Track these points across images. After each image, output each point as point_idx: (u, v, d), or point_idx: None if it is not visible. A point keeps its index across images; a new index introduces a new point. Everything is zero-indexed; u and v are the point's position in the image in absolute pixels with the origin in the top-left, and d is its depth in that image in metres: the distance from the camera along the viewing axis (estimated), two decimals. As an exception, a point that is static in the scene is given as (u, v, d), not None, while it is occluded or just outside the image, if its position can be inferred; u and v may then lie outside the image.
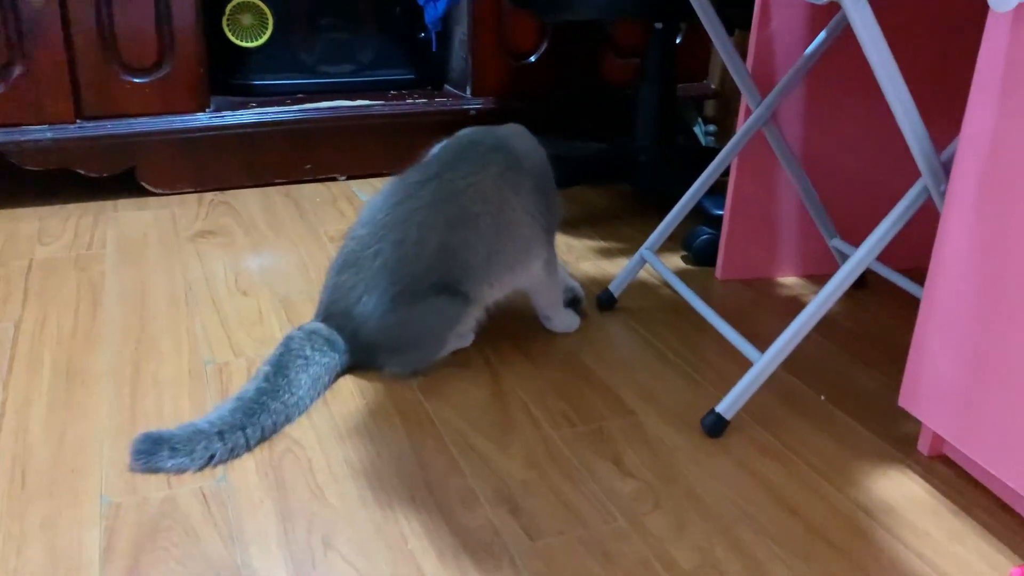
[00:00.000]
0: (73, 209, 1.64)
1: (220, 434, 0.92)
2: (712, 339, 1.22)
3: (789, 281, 1.45)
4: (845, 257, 1.43)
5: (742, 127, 1.26)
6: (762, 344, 1.01)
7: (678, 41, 2.07)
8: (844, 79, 1.36)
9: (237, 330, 1.21)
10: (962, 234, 0.85)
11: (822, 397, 1.10)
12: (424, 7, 1.02)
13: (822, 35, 1.23)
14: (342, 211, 1.68)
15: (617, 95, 2.03)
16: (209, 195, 1.74)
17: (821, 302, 0.97)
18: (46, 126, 1.59)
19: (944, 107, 1.38)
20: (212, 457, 0.91)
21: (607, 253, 1.54)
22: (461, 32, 1.91)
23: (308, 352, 1.05)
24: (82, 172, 1.65)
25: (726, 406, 0.99)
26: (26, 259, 1.41)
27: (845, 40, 1.31)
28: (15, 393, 1.04)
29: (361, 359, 1.09)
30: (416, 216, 1.07)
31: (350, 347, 1.08)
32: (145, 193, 1.72)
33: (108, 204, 1.67)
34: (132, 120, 1.66)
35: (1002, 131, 0.80)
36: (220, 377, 1.09)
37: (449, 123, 1.89)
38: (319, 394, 1.04)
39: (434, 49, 1.92)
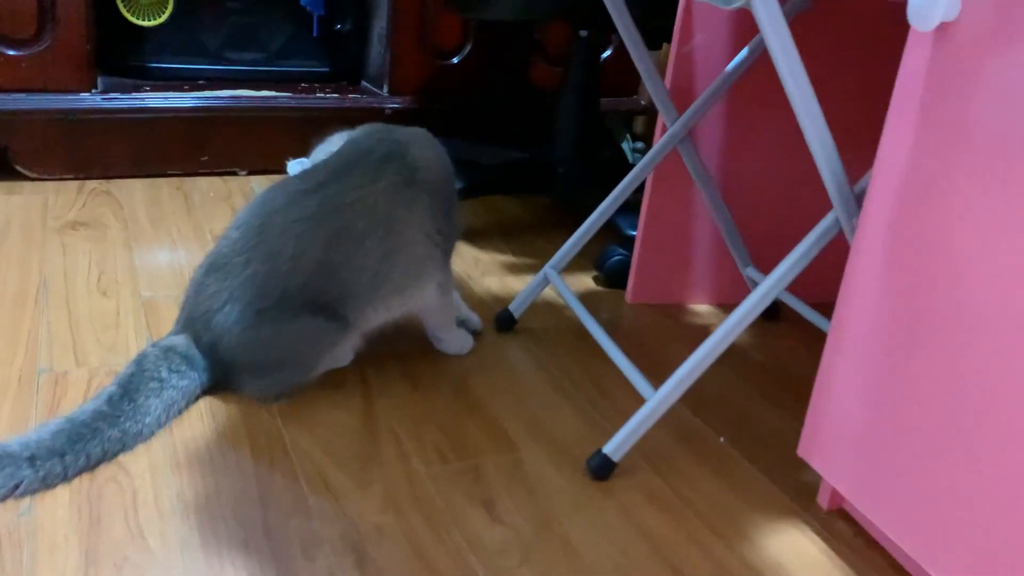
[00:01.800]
0: (-69, 190, 1.48)
1: (32, 459, 0.80)
2: (612, 368, 1.14)
3: (701, 309, 1.37)
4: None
5: (657, 144, 1.18)
6: (662, 376, 0.93)
7: (608, 54, 1.99)
8: (765, 99, 1.29)
9: (86, 335, 1.08)
10: (872, 270, 0.78)
11: (721, 439, 1.02)
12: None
13: (743, 52, 1.16)
14: (236, 208, 1.56)
15: (538, 99, 1.95)
16: (91, 183, 1.60)
17: (724, 334, 0.89)
18: (-97, 96, 1.44)
19: (864, 136, 1.32)
20: (18, 486, 0.79)
21: (515, 268, 1.45)
22: (380, 26, 1.80)
23: (164, 374, 0.93)
24: (-55, 150, 1.50)
25: (614, 447, 0.90)
26: None
27: (768, 58, 1.24)
28: None
29: (218, 377, 0.98)
30: (295, 228, 0.95)
31: (208, 362, 0.96)
32: (19, 177, 1.57)
33: (-26, 187, 1.52)
34: (4, 95, 1.51)
35: (918, 159, 0.73)
36: (53, 389, 0.96)
37: (363, 121, 1.77)
38: (170, 420, 0.92)
39: (315, 34, 1.78)
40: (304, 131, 1.75)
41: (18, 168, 1.56)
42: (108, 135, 1.60)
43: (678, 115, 1.18)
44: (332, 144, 1.15)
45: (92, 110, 1.57)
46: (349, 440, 0.93)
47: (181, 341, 0.96)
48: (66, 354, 1.03)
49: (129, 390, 0.89)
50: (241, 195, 1.63)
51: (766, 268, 1.33)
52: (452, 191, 1.10)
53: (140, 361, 0.93)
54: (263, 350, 0.95)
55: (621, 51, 2.01)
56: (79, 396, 0.95)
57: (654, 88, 1.16)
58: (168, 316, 1.14)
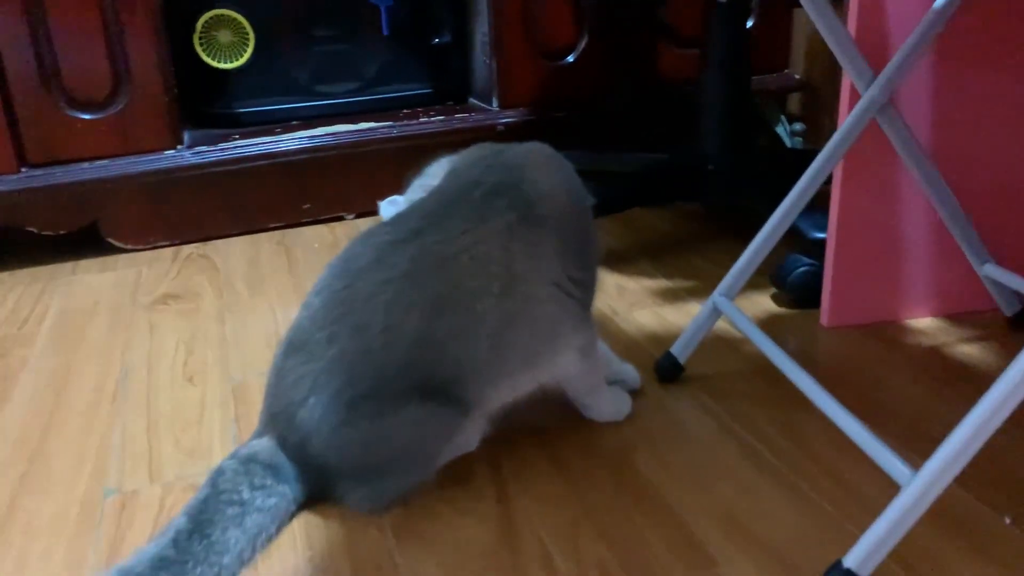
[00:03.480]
0: (22, 276, 1.37)
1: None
2: (822, 423, 0.85)
3: (924, 325, 1.06)
4: (1005, 290, 1.03)
5: (848, 117, 0.89)
6: (906, 439, 0.64)
7: (750, 24, 1.69)
8: (987, 48, 0.97)
9: (164, 437, 0.90)
10: None
11: (1007, 519, 0.71)
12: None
13: (959, -22, 0.85)
14: (342, 258, 1.37)
15: (679, 93, 1.67)
16: (188, 248, 1.45)
17: (1013, 385, 0.59)
18: (-15, 179, 1.33)
19: None
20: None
21: (671, 297, 1.18)
22: (482, 32, 1.58)
23: (245, 494, 0.72)
24: (34, 230, 1.38)
25: (860, 558, 0.62)
26: (-58, 345, 1.14)
27: (991, -16, 0.92)
28: None
29: (314, 486, 0.76)
30: (385, 292, 0.73)
31: (299, 470, 0.75)
32: (113, 250, 1.44)
33: (67, 267, 1.40)
34: (87, 164, 1.38)
35: None
36: (119, 516, 0.77)
37: (475, 142, 1.56)
38: (256, 553, 0.71)
39: (385, 32, 1.55)
40: (412, 162, 1.55)
41: (111, 241, 1.43)
42: (201, 192, 1.45)
43: (873, 76, 0.88)
44: (431, 176, 0.93)
45: (181, 167, 1.42)
46: (483, 560, 0.69)
47: (264, 446, 0.76)
48: (139, 467, 0.85)
49: (201, 523, 0.69)
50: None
51: (1011, 263, 1.00)
52: (585, 222, 0.84)
53: (215, 481, 0.73)
54: (362, 451, 0.73)
55: (763, 19, 1.70)
56: (148, 523, 0.76)
57: (838, 42, 0.87)
58: (259, 404, 0.95)
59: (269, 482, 0.74)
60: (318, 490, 0.76)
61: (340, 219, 1.56)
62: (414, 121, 1.56)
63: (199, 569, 0.66)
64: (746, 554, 0.69)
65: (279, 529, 0.74)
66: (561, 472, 0.80)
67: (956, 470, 0.60)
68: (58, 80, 1.34)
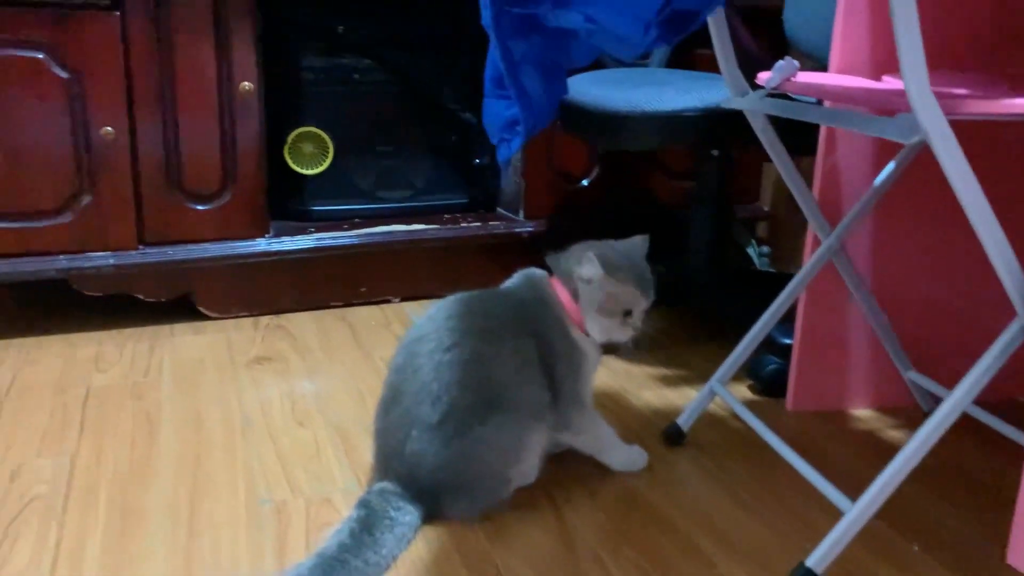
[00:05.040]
0: (130, 334, 1.64)
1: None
2: (787, 477, 1.16)
3: (863, 414, 1.39)
4: (922, 391, 1.37)
5: (812, 257, 1.23)
6: (846, 486, 0.95)
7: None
8: (914, 207, 1.33)
9: (294, 465, 1.18)
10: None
11: (915, 548, 1.02)
12: (497, 146, 1.02)
13: (891, 165, 1.21)
14: (396, 334, 1.67)
15: (668, 216, 2.03)
16: (264, 319, 1.74)
17: (916, 447, 0.91)
18: (109, 252, 1.62)
19: None
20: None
21: (669, 381, 1.49)
22: (514, 158, 1.93)
23: (391, 512, 0.99)
24: (141, 297, 1.66)
25: (817, 559, 0.92)
26: (83, 387, 1.41)
27: (915, 168, 1.29)
28: (70, 533, 1.01)
29: (428, 507, 1.04)
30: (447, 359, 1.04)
31: (415, 495, 1.03)
32: (201, 317, 1.72)
33: (164, 329, 1.67)
34: (192, 246, 1.68)
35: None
36: (278, 519, 1.05)
37: (501, 245, 1.90)
38: (401, 552, 0.99)
39: (501, 183, 1.94)
40: (450, 258, 1.87)
41: (201, 309, 1.71)
42: (278, 274, 1.75)
43: (830, 229, 1.23)
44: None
45: (266, 253, 1.72)
46: (555, 560, 0.98)
47: (389, 484, 1.04)
48: (281, 485, 1.12)
49: (367, 525, 0.97)
50: (398, 321, 1.74)
51: (928, 370, 1.34)
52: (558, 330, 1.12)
53: (366, 504, 1.00)
54: (457, 464, 1.02)
55: (741, 160, 2.08)
56: (303, 525, 1.04)
57: (805, 202, 1.22)
58: (360, 445, 1.23)
59: (403, 505, 1.01)
60: (431, 510, 1.04)
61: (388, 302, 1.86)
62: (455, 225, 1.89)
63: (369, 554, 0.94)
64: (736, 559, 0.99)
65: (412, 538, 1.01)
66: (599, 502, 1.10)
67: (880, 503, 0.91)
68: (179, 177, 1.64)
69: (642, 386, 1.47)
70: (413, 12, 1.90)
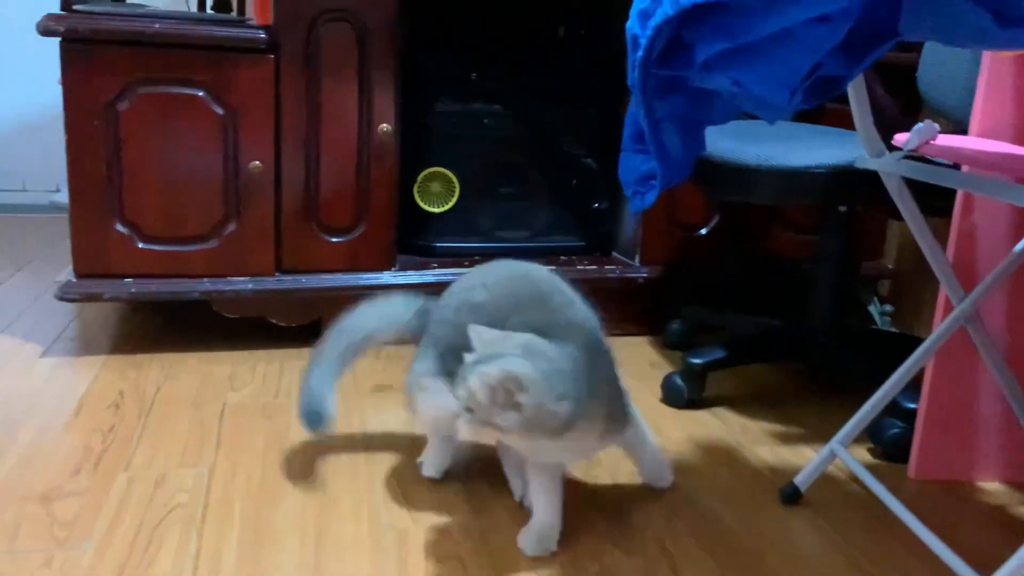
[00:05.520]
0: (262, 356, 1.73)
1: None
2: (907, 545, 1.13)
3: (992, 487, 1.33)
4: (1058, 465, 1.31)
5: (944, 322, 1.21)
6: (974, 561, 0.92)
7: (853, 219, 2.04)
8: (1055, 276, 1.29)
9: (416, 493, 1.22)
10: None
11: (1050, 633, 0.98)
12: (631, 198, 1.06)
13: (1034, 232, 1.18)
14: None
15: (787, 269, 2.01)
16: (386, 348, 1.81)
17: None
18: (248, 278, 1.72)
19: None
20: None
21: (784, 438, 1.48)
22: (635, 204, 1.95)
23: None
24: (274, 321, 1.76)
25: (943, 636, 0.90)
26: (219, 403, 1.49)
27: (1057, 237, 1.25)
28: (208, 544, 1.08)
29: None
30: None
31: None
32: (326, 343, 1.80)
33: (293, 352, 1.76)
34: (324, 276, 1.76)
35: None
36: (400, 545, 1.09)
37: (616, 289, 1.92)
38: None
39: (618, 227, 1.98)
40: (565, 300, 1.90)
41: (327, 336, 1.79)
42: (400, 307, 1.81)
43: (965, 294, 1.20)
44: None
45: (391, 285, 1.79)
46: (668, 610, 0.98)
47: None
48: (402, 511, 1.17)
49: None
50: (512, 360, 1.78)
51: (1064, 447, 1.28)
52: None
53: None
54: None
55: (864, 216, 2.05)
56: (422, 553, 1.07)
57: (938, 266, 1.20)
58: (477, 475, 1.26)
59: None
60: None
61: (502, 340, 1.90)
62: (571, 268, 1.92)
63: None
64: (857, 628, 0.97)
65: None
66: (715, 557, 1.10)
67: (1014, 581, 0.88)
68: (316, 210, 1.74)
69: (757, 442, 1.46)
70: (543, 65, 1.97)
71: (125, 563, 1.03)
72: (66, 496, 1.16)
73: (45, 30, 1.54)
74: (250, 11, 2.36)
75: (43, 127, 2.99)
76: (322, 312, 1.78)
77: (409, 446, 1.36)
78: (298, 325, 1.78)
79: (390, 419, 1.46)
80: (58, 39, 1.57)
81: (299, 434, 1.39)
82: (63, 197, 2.07)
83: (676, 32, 0.80)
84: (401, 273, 1.81)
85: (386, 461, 1.31)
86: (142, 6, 1.86)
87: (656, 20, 0.78)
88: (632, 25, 0.83)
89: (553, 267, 1.91)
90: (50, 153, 2.95)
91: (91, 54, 1.57)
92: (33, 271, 2.21)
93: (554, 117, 1.96)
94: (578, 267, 1.92)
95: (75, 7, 1.56)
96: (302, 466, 1.29)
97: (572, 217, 2.01)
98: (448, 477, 1.27)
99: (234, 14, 2.31)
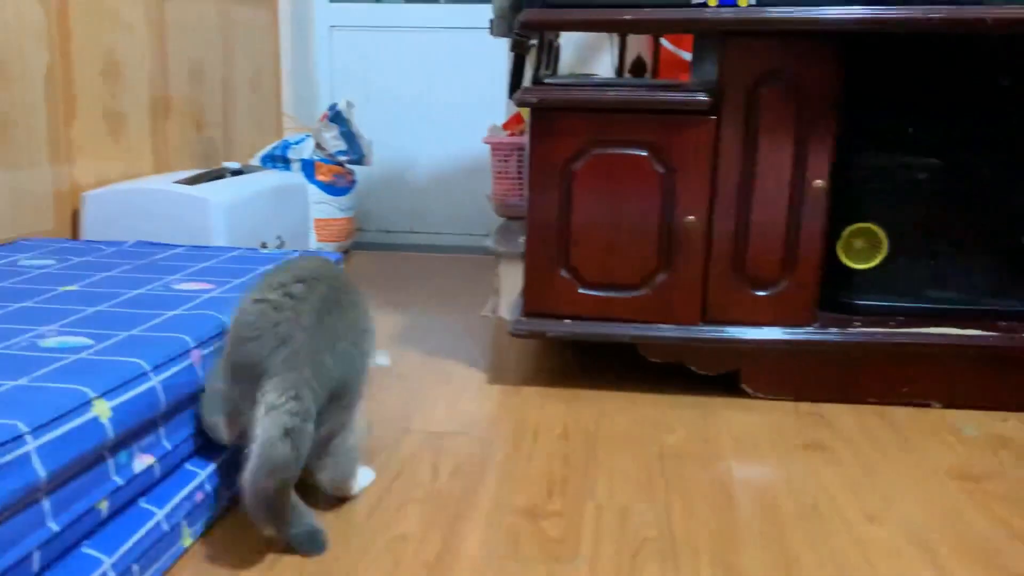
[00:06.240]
0: (682, 401, 1.81)
1: None
2: None
3: None
4: None
5: None
6: None
7: None
8: None
9: (876, 562, 1.20)
10: None
11: None
12: None
13: None
14: (946, 442, 1.61)
15: None
16: (803, 405, 1.80)
17: None
18: (674, 326, 1.81)
19: None
20: None
21: None
22: (1095, 268, 1.76)
23: None
24: (693, 369, 1.83)
25: None
26: (656, 444, 1.59)
27: None
28: (684, 579, 1.15)
29: None
30: None
31: None
32: (742, 395, 1.83)
33: (711, 401, 1.82)
34: (746, 328, 1.80)
35: None
36: (876, 611, 1.08)
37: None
38: None
39: None
40: (1002, 369, 1.76)
41: (744, 387, 1.83)
42: (820, 364, 1.80)
43: None
44: None
45: (811, 342, 1.78)
46: None
47: None
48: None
49: None
50: (945, 429, 1.68)
51: None
52: None
53: None
54: None
55: None
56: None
57: None
58: (938, 550, 1.21)
59: None
60: None
61: (928, 406, 1.80)
62: (1011, 334, 1.77)
63: None
64: None
65: None
66: None
67: None
68: (743, 263, 1.79)
69: None
70: (983, 116, 1.86)
71: (614, 585, 1.13)
72: (549, 516, 1.31)
73: (521, 101, 1.77)
74: (662, 76, 2.52)
75: (476, 177, 3.42)
76: (740, 363, 1.82)
77: (855, 512, 1.34)
78: (716, 374, 1.83)
79: (828, 481, 1.45)
80: (528, 108, 1.79)
81: (743, 485, 1.43)
82: (491, 242, 2.35)
83: None
84: (823, 330, 1.79)
85: (836, 524, 1.30)
86: (588, 75, 2.06)
87: None
88: None
89: (991, 332, 1.78)
90: (477, 200, 3.36)
91: (554, 120, 1.78)
92: (461, 305, 2.52)
93: (996, 171, 1.83)
94: (1022, 334, 1.77)
95: (545, 80, 1.78)
96: (754, 518, 1.32)
97: (1016, 279, 1.85)
98: (906, 551, 1.23)
99: (648, 77, 2.47)
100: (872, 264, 1.86)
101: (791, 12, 1.66)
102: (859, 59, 1.87)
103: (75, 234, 2.19)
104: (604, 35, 3.01)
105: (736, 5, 1.67)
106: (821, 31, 1.68)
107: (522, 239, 1.86)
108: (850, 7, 1.65)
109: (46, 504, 0.93)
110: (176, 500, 1.15)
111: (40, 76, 2.04)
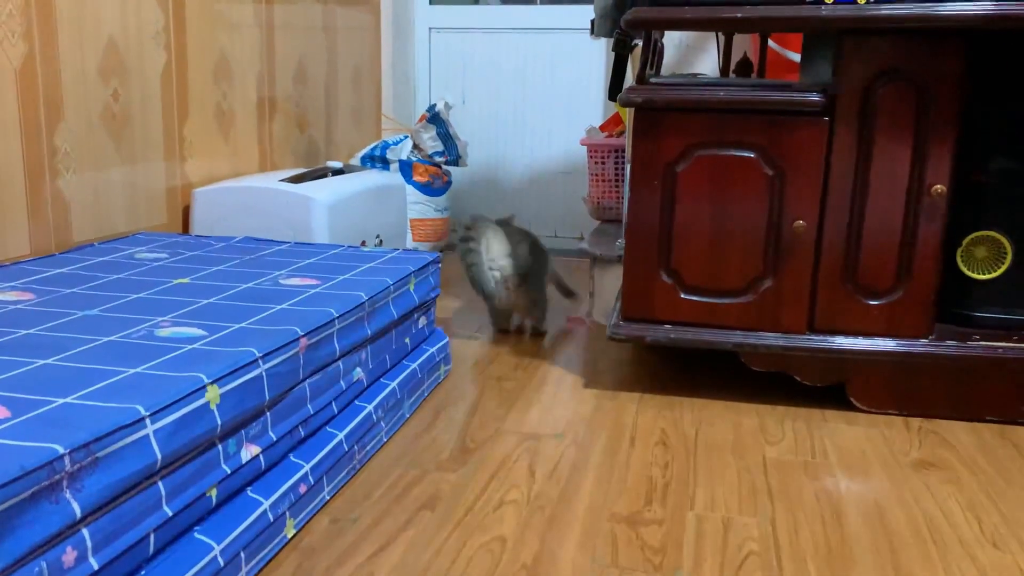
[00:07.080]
0: (785, 412, 1.75)
1: None
2: None
3: None
4: None
5: None
6: None
7: None
8: None
9: None
10: None
11: None
12: None
13: None
14: (1075, 467, 1.51)
15: None
16: (916, 421, 1.72)
17: None
18: (779, 334, 1.75)
19: None
20: None
21: None
22: None
23: None
24: (798, 379, 1.76)
25: None
26: (759, 455, 1.54)
27: None
28: (791, 597, 1.10)
29: None
30: None
31: None
32: (850, 408, 1.76)
33: (816, 412, 1.75)
34: (856, 338, 1.73)
35: None
36: (1003, 644, 1.01)
37: None
38: None
39: None
40: None
41: (852, 400, 1.75)
42: (935, 378, 1.71)
43: None
44: None
45: (926, 354, 1.70)
46: None
47: None
48: (994, 607, 1.08)
49: None
50: (1073, 452, 1.57)
51: None
52: None
53: None
54: None
55: None
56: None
57: None
58: (1079, 586, 1.13)
59: None
60: None
61: (1051, 426, 1.69)
62: None
63: None
64: None
65: None
66: None
67: None
68: (854, 271, 1.71)
69: None
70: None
71: (718, 599, 1.09)
72: (648, 523, 1.28)
73: (626, 101, 1.74)
74: (768, 76, 2.44)
75: (571, 179, 3.39)
76: (848, 375, 1.75)
77: (977, 536, 1.27)
78: (822, 385, 1.76)
79: (947, 502, 1.38)
80: (632, 108, 1.76)
81: (852, 500, 1.37)
82: (586, 245, 2.32)
83: None
84: (939, 343, 1.70)
85: (956, 547, 1.23)
86: (693, 75, 2.01)
87: None
88: None
89: None
90: (572, 203, 3.34)
91: (659, 120, 1.74)
92: (555, 307, 2.50)
93: None
94: None
95: (651, 80, 1.75)
96: (864, 535, 1.26)
97: None
98: (1038, 577, 1.15)
99: (754, 77, 2.41)
100: (995, 275, 1.76)
101: (912, 9, 1.58)
102: (986, 55, 1.78)
103: (185, 229, 2.27)
104: (708, 35, 2.95)
105: (855, 3, 1.60)
106: (943, 28, 1.60)
107: (619, 242, 1.83)
108: (975, 2, 1.56)
109: (161, 488, 0.95)
110: (281, 491, 1.17)
111: (157, 76, 2.12)
